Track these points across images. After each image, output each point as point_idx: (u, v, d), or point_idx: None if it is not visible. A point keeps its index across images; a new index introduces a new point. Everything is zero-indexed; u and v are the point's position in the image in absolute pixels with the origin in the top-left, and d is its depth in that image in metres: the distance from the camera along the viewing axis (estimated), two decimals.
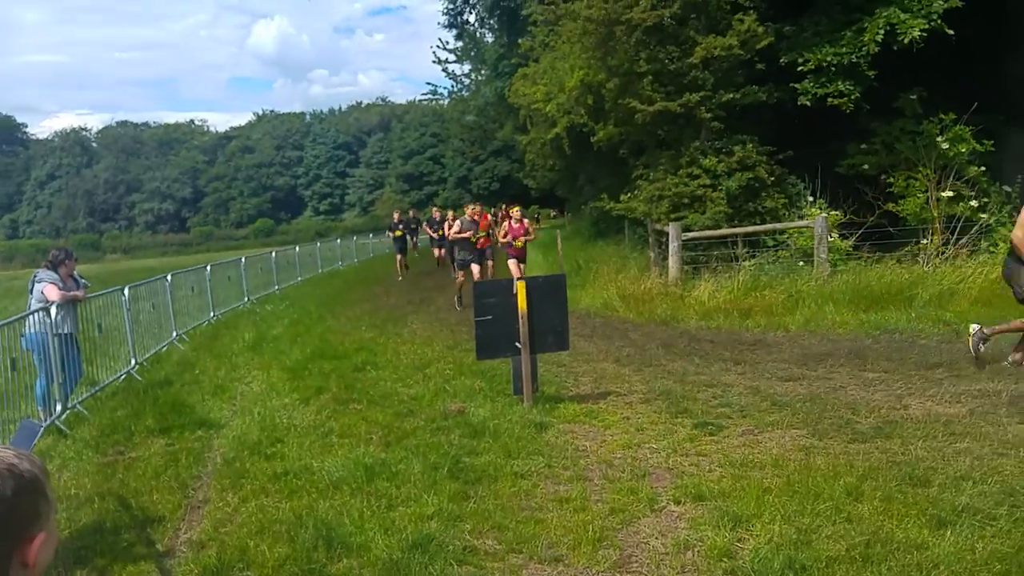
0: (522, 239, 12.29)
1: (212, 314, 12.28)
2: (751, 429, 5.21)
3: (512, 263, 12.21)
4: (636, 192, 13.55)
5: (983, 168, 11.51)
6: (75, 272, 7.02)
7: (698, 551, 3.48)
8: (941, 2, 11.03)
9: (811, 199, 12.29)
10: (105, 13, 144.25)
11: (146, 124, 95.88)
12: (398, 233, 19.00)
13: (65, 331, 6.56)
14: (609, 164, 17.59)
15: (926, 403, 5.52)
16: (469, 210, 12.91)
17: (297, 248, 22.32)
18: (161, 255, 66.54)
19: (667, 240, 11.48)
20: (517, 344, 5.95)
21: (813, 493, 3.89)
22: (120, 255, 71.65)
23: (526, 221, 12.95)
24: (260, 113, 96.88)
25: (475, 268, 12.39)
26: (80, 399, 6.92)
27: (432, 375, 7.19)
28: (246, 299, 14.38)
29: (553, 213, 45.05)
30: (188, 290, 11.82)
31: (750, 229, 11.43)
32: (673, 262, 11.10)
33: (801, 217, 11.70)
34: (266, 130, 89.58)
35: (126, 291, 8.60)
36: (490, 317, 5.95)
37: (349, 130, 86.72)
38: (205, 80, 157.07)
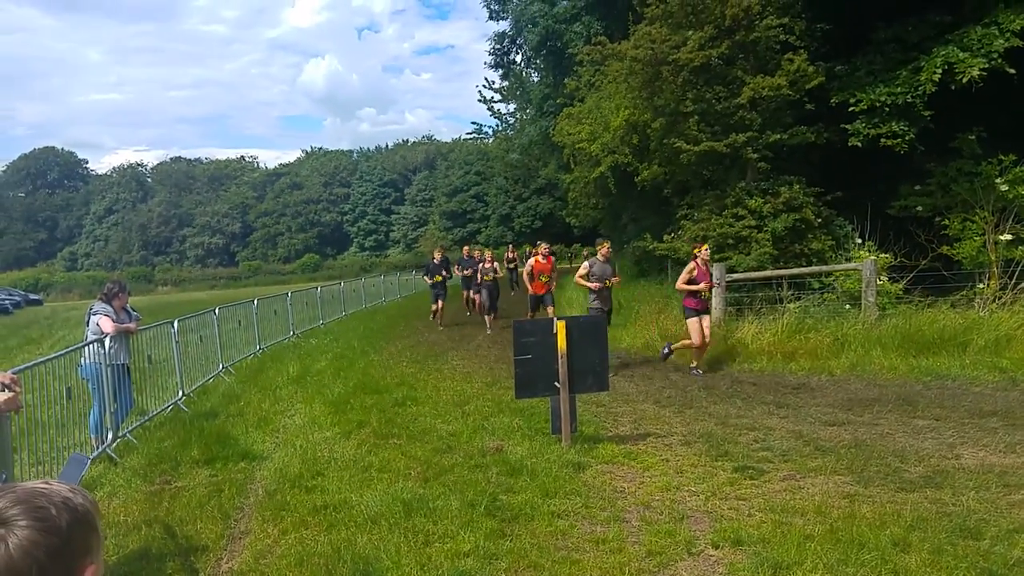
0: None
1: (258, 347, 12.56)
2: (793, 474, 5.10)
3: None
4: (680, 232, 13.50)
5: None
6: (128, 305, 7.25)
7: None
8: (1002, 40, 10.84)
9: (859, 241, 12.06)
10: (160, 53, 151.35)
11: (198, 160, 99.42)
12: (438, 279, 15.60)
13: (119, 362, 6.79)
14: (653, 203, 17.61)
15: (979, 452, 5.34)
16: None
17: (342, 284, 22.76)
18: (210, 288, 68.35)
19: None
20: (556, 384, 5.96)
21: (858, 542, 3.79)
22: (171, 288, 73.85)
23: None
24: (309, 150, 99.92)
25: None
26: (130, 428, 7.11)
27: (471, 412, 7.23)
28: (291, 333, 14.69)
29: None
30: (235, 323, 12.12)
31: (795, 271, 11.26)
32: (717, 303, 10.98)
33: (849, 259, 11.47)
34: (314, 167, 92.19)
35: (175, 324, 8.84)
36: (529, 356, 5.99)
37: (395, 168, 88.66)
38: (256, 117, 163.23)
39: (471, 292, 17.05)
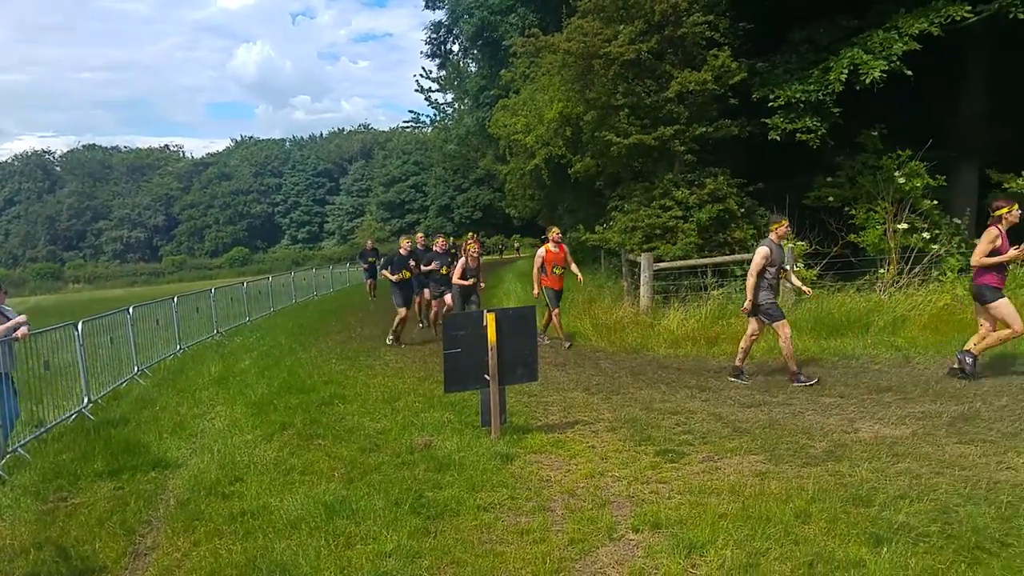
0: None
1: (178, 347, 12.17)
2: (711, 456, 5.37)
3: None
4: (611, 223, 13.83)
5: (935, 202, 11.97)
6: (5, 306, 6.82)
7: None
8: (901, 44, 11.51)
9: None
10: (71, 32, 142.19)
11: (116, 148, 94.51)
12: (406, 275, 12.29)
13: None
14: (587, 195, 17.91)
15: (875, 426, 5.75)
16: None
17: (270, 278, 22.26)
18: (129, 285, 65.45)
19: (639, 270, 11.73)
20: (486, 376, 6.08)
21: (765, 517, 4.04)
22: (83, 285, 70.04)
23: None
24: (239, 139, 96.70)
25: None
26: (22, 442, 6.57)
27: (401, 408, 7.26)
28: (215, 331, 14.33)
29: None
30: (153, 322, 11.62)
31: (719, 259, 11.71)
32: (644, 292, 11.33)
33: None
34: (244, 156, 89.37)
35: (79, 326, 8.32)
36: (459, 350, 6.08)
37: (330, 157, 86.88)
38: (182, 104, 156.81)
39: (427, 296, 12.88)
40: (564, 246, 10.98)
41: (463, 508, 4.54)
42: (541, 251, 10.94)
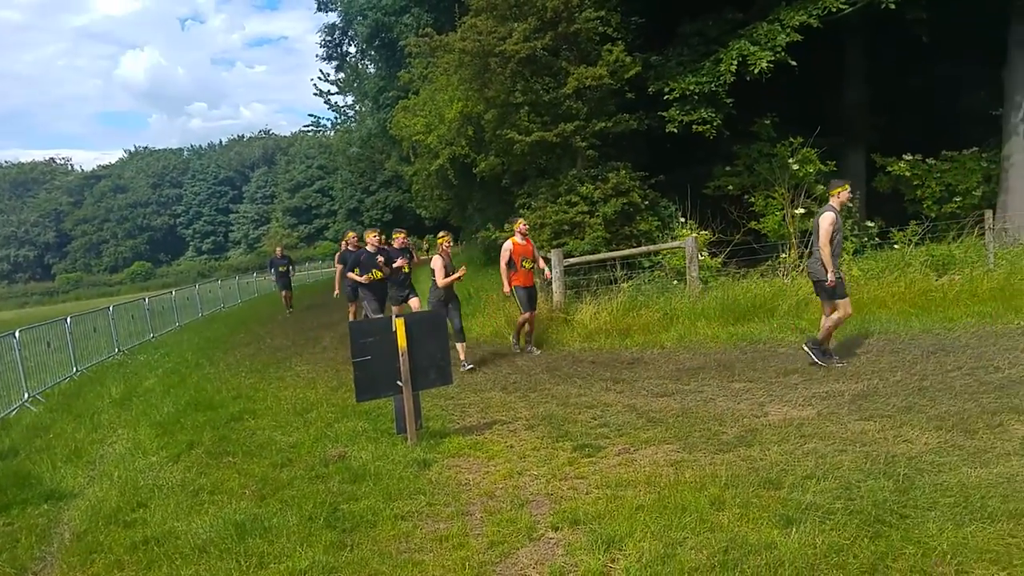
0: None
1: (75, 369, 11.43)
2: (627, 448, 5.40)
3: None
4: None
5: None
6: None
7: None
8: (784, 36, 12.06)
9: (682, 220, 12.97)
10: None
11: None
12: (377, 276, 10.57)
13: None
14: (494, 193, 17.87)
15: (783, 408, 5.94)
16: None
17: (174, 292, 21.21)
18: (20, 307, 61.26)
19: (550, 266, 11.77)
20: (399, 383, 5.92)
21: (681, 507, 4.08)
22: None
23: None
24: (133, 149, 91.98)
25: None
26: None
27: (314, 420, 7.00)
28: (116, 350, 13.50)
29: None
30: (43, 345, 10.93)
31: (626, 252, 11.91)
32: (556, 287, 11.39)
33: (674, 238, 12.29)
34: (140, 167, 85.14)
35: None
36: (369, 357, 5.89)
37: (231, 165, 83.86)
38: (67, 115, 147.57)
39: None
40: (531, 240, 10.05)
41: (380, 518, 4.40)
42: (508, 244, 9.72)
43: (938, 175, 13.65)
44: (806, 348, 7.39)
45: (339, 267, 11.55)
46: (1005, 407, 5.24)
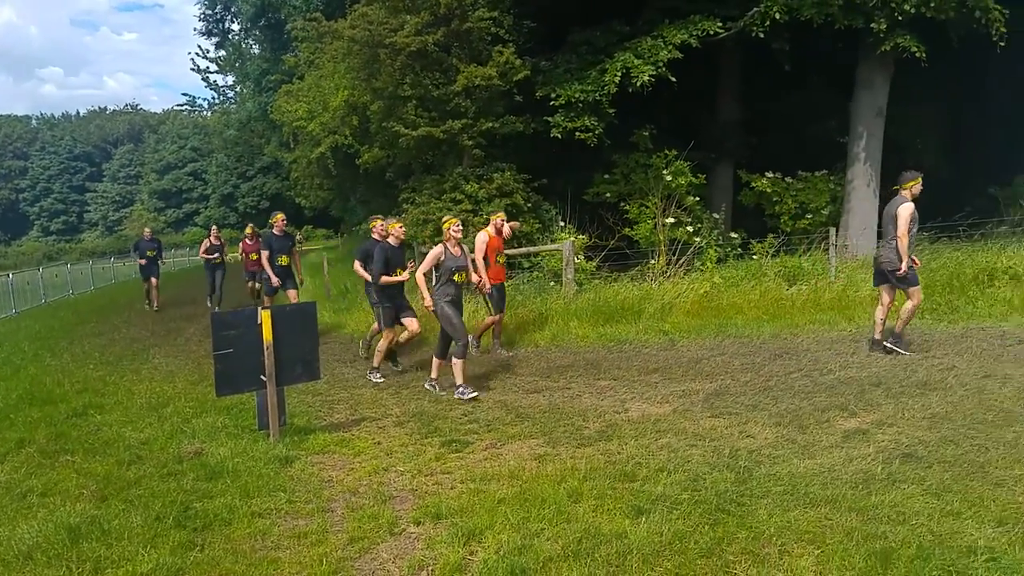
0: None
1: None
2: (495, 443, 5.50)
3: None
4: (403, 215, 13.73)
5: (698, 198, 13.38)
6: None
7: (432, 569, 3.59)
8: (666, 52, 12.68)
9: (562, 224, 13.35)
10: None
11: None
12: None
13: None
14: (378, 186, 17.64)
15: (643, 405, 6.25)
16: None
17: (11, 275, 19.28)
18: None
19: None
20: (262, 377, 5.71)
21: (540, 499, 4.20)
22: None
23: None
24: None
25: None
26: None
27: (169, 415, 6.61)
28: None
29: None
30: None
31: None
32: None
33: (553, 241, 12.63)
34: None
35: None
36: (231, 350, 5.65)
37: (90, 139, 77.39)
38: None
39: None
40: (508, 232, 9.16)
41: (235, 516, 4.22)
42: (483, 236, 8.80)
43: (794, 193, 14.84)
44: (889, 345, 7.55)
45: (265, 253, 10.69)
46: (833, 405, 5.77)
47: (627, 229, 13.06)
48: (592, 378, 7.49)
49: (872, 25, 12.22)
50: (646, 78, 12.44)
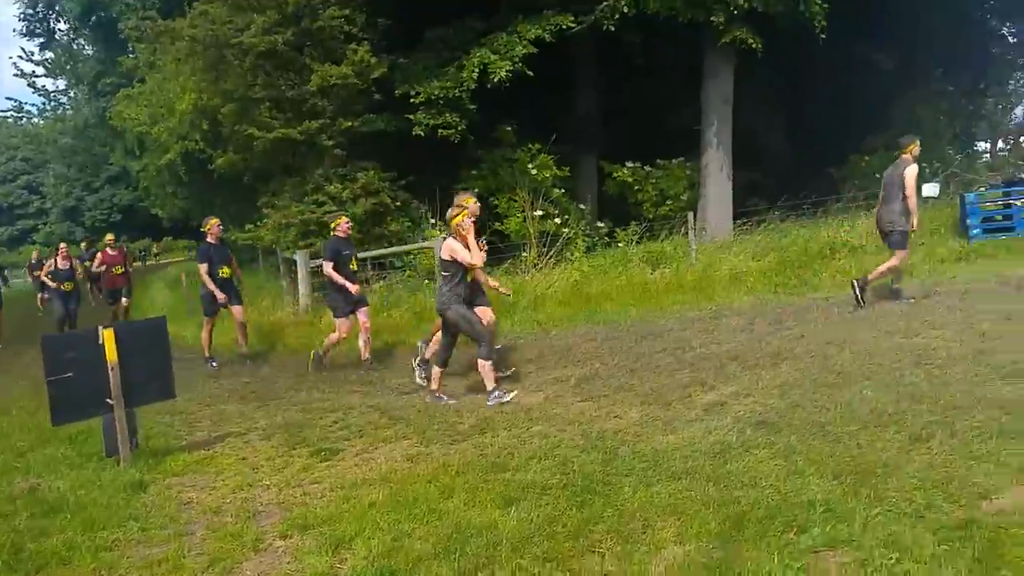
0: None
1: None
2: (366, 447, 5.36)
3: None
4: (264, 220, 13.17)
5: (563, 190, 13.71)
6: None
7: None
8: (522, 47, 12.87)
9: (432, 221, 13.26)
10: None
11: None
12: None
13: None
14: (237, 191, 16.80)
15: (518, 395, 6.30)
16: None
17: None
18: None
19: (297, 268, 11.34)
20: (108, 400, 5.27)
21: (412, 499, 4.13)
22: None
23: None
24: None
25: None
26: None
27: (0, 451, 5.98)
28: None
29: None
30: None
31: (376, 252, 11.88)
32: (303, 290, 11.00)
33: (424, 239, 12.53)
34: None
35: None
36: (70, 374, 5.17)
37: None
38: None
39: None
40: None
41: (77, 553, 3.86)
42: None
43: (654, 181, 15.52)
44: (860, 294, 7.95)
45: (203, 266, 9.37)
46: (694, 381, 6.07)
47: (498, 223, 13.18)
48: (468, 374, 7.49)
49: (712, 18, 12.96)
50: (503, 74, 12.59)
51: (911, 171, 7.79)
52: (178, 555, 3.79)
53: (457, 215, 6.41)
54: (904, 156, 7.97)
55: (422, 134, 12.90)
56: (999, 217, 11.30)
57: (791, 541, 3.20)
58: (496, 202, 13.53)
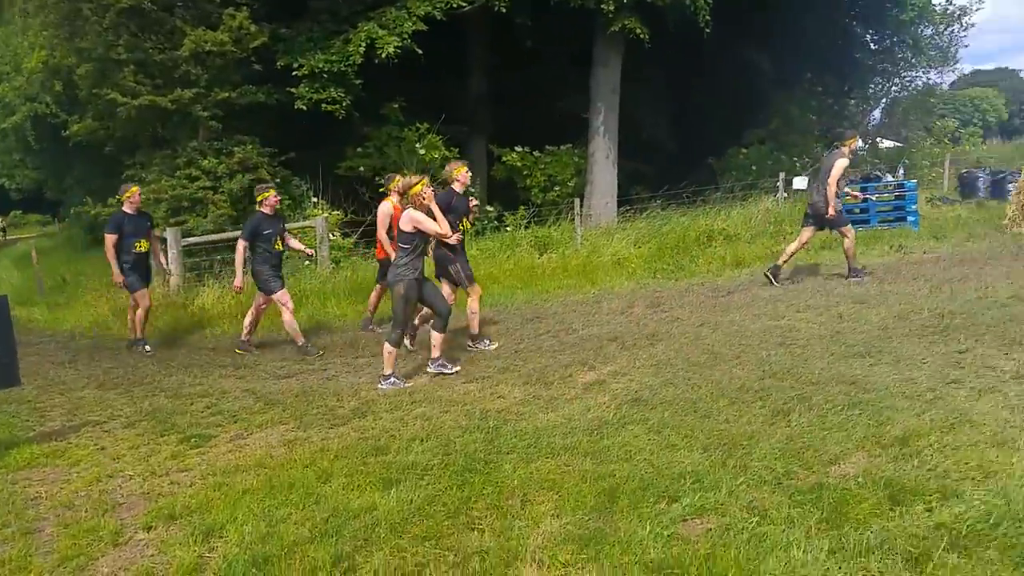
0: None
1: None
2: (241, 433, 5.13)
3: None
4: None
5: None
6: None
7: (163, 574, 3.25)
8: (411, 24, 12.58)
9: (314, 200, 12.80)
10: None
11: None
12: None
13: None
14: (98, 163, 15.53)
15: (400, 379, 6.21)
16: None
17: None
18: None
19: (166, 246, 10.62)
20: None
21: (288, 485, 4.00)
22: None
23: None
24: None
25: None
26: None
27: None
28: None
29: None
30: None
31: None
32: (174, 269, 10.33)
33: (305, 218, 12.08)
34: None
35: None
36: None
37: None
38: None
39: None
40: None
41: None
42: (387, 207, 7.86)
43: (543, 166, 15.69)
44: (853, 280, 8.48)
45: (111, 237, 8.07)
46: (575, 361, 6.22)
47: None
48: (351, 357, 7.33)
49: (602, 6, 13.21)
50: (391, 49, 12.27)
51: (840, 164, 8.41)
52: (23, 555, 3.49)
53: (416, 183, 5.91)
54: (842, 148, 8.62)
55: (305, 108, 12.37)
56: (857, 210, 12.26)
57: (662, 511, 3.34)
58: (382, 181, 13.21)
